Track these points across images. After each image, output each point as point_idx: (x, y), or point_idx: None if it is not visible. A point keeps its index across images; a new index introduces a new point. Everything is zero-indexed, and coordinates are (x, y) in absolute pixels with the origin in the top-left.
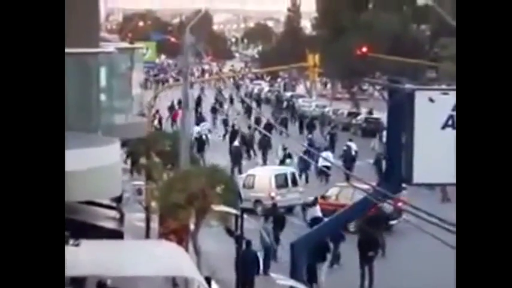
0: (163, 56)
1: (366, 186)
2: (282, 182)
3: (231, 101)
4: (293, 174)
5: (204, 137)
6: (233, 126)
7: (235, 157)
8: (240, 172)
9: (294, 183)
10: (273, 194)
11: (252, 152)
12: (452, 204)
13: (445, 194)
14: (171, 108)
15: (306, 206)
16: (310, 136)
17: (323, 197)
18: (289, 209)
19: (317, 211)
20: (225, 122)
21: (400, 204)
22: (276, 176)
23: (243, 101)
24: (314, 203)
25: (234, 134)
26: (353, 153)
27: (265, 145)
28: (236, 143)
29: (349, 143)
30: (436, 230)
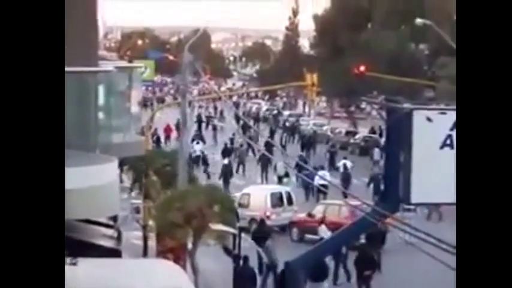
0: (161, 75)
1: (357, 203)
2: (277, 201)
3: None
4: (288, 193)
5: (200, 155)
6: (225, 144)
7: (225, 175)
8: (227, 190)
9: (290, 202)
10: (268, 213)
11: (241, 169)
12: (443, 224)
13: (438, 213)
14: (166, 129)
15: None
16: (301, 153)
17: (309, 215)
18: (283, 228)
19: (324, 231)
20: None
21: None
22: (272, 195)
23: (238, 119)
24: (320, 222)
25: (226, 152)
26: (348, 171)
27: (266, 163)
28: (226, 161)
29: (345, 161)
30: (431, 248)
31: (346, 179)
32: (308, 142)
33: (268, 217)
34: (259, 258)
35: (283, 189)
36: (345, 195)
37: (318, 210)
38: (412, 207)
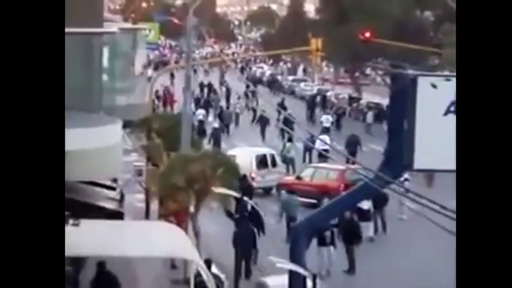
0: (165, 38)
1: (343, 167)
2: (261, 163)
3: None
4: (272, 156)
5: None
6: (221, 107)
7: (215, 139)
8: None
9: (274, 164)
10: (253, 175)
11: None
12: (437, 189)
13: (430, 180)
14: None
15: None
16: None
17: (298, 178)
18: (267, 191)
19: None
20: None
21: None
22: (256, 157)
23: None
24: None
25: (221, 115)
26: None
27: (265, 123)
28: (216, 124)
29: (327, 116)
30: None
31: (353, 144)
32: (312, 105)
33: (253, 178)
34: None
35: (267, 151)
36: (348, 161)
37: (307, 174)
38: (406, 176)
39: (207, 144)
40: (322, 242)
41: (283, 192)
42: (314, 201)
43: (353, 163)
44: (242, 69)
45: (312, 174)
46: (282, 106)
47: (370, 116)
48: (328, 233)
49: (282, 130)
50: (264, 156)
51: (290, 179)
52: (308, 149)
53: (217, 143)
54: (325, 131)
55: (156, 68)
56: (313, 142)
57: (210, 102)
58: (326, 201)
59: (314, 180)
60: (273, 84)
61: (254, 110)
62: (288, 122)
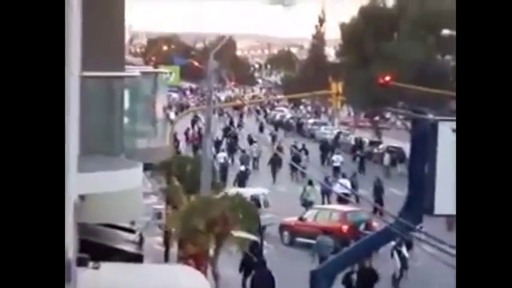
0: (186, 81)
1: (349, 208)
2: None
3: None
4: (265, 195)
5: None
6: (243, 151)
7: (240, 181)
8: None
9: (266, 204)
10: None
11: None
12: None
13: (450, 224)
14: (187, 133)
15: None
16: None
17: (301, 219)
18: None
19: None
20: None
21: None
22: (250, 197)
23: (261, 128)
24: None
25: (243, 159)
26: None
27: (275, 163)
28: (242, 167)
29: (337, 156)
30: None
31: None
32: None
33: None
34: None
35: (260, 191)
36: (375, 209)
37: (309, 215)
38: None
39: (233, 187)
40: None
41: (320, 235)
42: None
43: (378, 210)
44: (265, 113)
45: (315, 215)
46: (296, 148)
47: (387, 159)
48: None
49: (292, 170)
50: (257, 196)
51: (293, 219)
52: (326, 192)
53: (242, 185)
54: (336, 170)
55: (177, 112)
56: (329, 184)
57: (232, 145)
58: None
59: (317, 221)
60: (293, 128)
61: (275, 154)
62: (296, 159)
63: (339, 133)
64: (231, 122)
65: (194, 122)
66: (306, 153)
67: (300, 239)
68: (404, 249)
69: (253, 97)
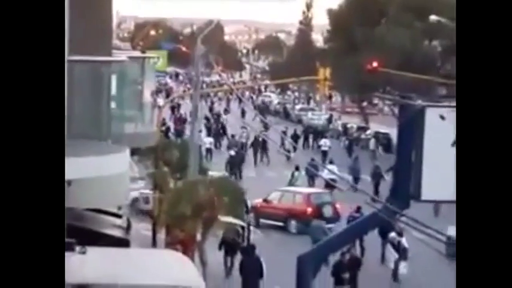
0: (173, 66)
1: (312, 190)
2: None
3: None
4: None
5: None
6: (232, 136)
7: (231, 166)
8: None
9: None
10: None
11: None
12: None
13: (437, 210)
14: (178, 119)
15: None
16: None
17: (265, 200)
18: None
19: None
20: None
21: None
22: None
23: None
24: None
25: (231, 144)
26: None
27: (257, 145)
28: (232, 152)
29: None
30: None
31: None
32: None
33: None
34: None
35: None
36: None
37: (274, 197)
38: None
39: (224, 171)
40: (339, 282)
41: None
42: (281, 224)
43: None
44: (251, 98)
45: (279, 198)
46: (285, 134)
47: (372, 143)
48: (346, 274)
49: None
50: None
51: (258, 201)
52: (311, 176)
53: (233, 170)
54: (324, 154)
55: (167, 96)
56: (316, 168)
57: (219, 130)
58: (293, 224)
59: (281, 203)
60: (280, 113)
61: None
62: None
63: (331, 116)
64: (210, 109)
65: (174, 108)
66: (297, 138)
67: (263, 221)
68: (404, 240)
69: (240, 82)
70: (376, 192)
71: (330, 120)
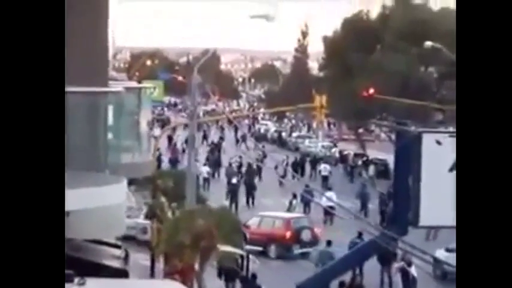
0: (170, 96)
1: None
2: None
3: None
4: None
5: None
6: (230, 164)
7: (232, 194)
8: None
9: None
10: None
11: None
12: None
13: (432, 232)
14: (173, 149)
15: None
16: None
17: (245, 226)
18: None
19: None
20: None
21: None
22: None
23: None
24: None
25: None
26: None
27: (252, 174)
28: (234, 180)
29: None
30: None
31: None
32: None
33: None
34: None
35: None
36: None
37: (253, 222)
38: None
39: (225, 200)
40: None
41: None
42: (260, 248)
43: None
44: (248, 127)
45: (259, 222)
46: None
47: (371, 169)
48: None
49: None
50: None
51: None
52: (306, 202)
53: (234, 198)
54: (325, 179)
55: (163, 126)
56: (311, 194)
57: (216, 159)
58: (273, 249)
59: (260, 229)
60: (276, 141)
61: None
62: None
63: (334, 144)
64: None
65: (171, 137)
66: (297, 166)
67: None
68: (413, 269)
69: (236, 111)
70: (383, 219)
71: (327, 147)
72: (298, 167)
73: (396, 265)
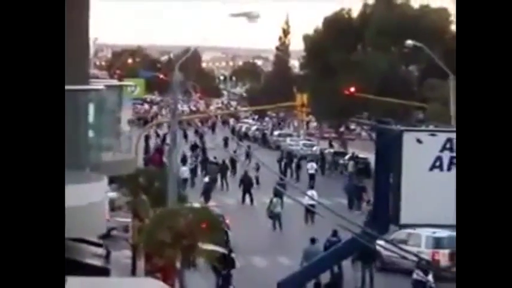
0: (151, 94)
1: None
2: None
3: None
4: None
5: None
6: (210, 162)
7: (205, 193)
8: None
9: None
10: (107, 217)
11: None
12: None
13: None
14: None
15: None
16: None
17: None
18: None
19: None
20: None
21: None
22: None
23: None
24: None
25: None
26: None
27: (248, 183)
28: (206, 179)
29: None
30: None
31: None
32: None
33: (108, 220)
34: None
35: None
36: None
37: None
38: None
39: (199, 198)
40: None
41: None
42: None
43: None
44: (229, 125)
45: None
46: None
47: (351, 166)
48: None
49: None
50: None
51: None
52: (280, 196)
53: (207, 197)
54: (311, 177)
55: (146, 123)
56: (283, 187)
57: (197, 157)
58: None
59: None
60: (258, 140)
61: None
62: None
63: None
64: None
65: (147, 137)
66: (284, 163)
67: None
68: (430, 277)
69: (218, 109)
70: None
71: (309, 145)
72: (286, 165)
73: (415, 276)
